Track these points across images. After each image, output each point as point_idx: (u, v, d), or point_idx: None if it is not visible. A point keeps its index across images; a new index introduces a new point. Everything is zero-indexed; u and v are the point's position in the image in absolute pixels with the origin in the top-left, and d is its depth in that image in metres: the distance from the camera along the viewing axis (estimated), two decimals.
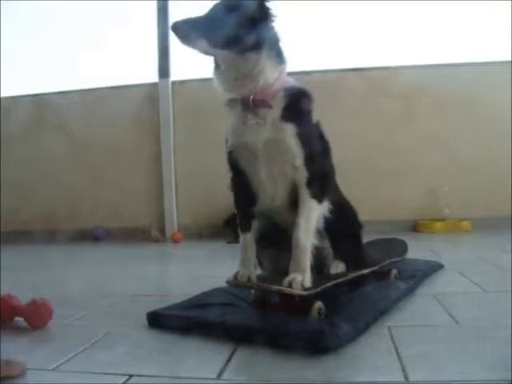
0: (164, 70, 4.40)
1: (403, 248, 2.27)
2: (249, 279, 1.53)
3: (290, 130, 1.47)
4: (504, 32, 3.79)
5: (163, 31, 4.38)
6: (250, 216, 1.60)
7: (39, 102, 4.66)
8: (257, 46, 1.43)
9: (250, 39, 1.41)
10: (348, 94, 4.08)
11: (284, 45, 1.54)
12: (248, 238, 1.59)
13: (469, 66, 4.03)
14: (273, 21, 1.48)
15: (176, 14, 4.41)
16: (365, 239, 2.47)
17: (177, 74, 4.40)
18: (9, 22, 4.62)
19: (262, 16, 1.44)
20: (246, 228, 1.60)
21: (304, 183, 1.50)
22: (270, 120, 1.47)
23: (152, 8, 4.38)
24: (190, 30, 1.42)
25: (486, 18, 3.99)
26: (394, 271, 1.90)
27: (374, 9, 4.08)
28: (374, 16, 4.14)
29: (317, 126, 1.63)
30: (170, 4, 4.40)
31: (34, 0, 4.61)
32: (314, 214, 1.51)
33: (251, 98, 1.46)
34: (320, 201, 1.53)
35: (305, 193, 1.50)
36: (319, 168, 1.53)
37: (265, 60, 1.45)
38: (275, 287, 1.46)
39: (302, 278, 1.42)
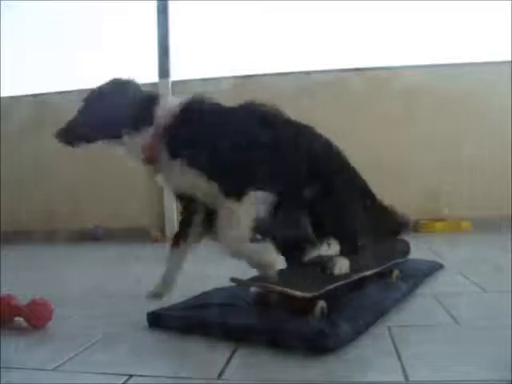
0: (164, 69, 4.40)
1: (406, 248, 2.26)
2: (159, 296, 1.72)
3: (178, 166, 1.57)
4: (504, 32, 3.79)
5: (163, 31, 4.38)
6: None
7: (39, 102, 4.66)
8: (118, 133, 1.63)
9: (111, 128, 1.63)
10: (348, 94, 4.08)
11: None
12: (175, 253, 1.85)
13: (469, 65, 4.03)
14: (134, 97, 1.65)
15: (176, 13, 4.41)
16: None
17: (177, 73, 4.40)
18: (9, 22, 4.62)
19: (121, 100, 1.63)
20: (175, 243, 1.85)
21: (217, 191, 1.54)
22: (165, 165, 1.62)
23: (152, 8, 4.39)
24: (69, 136, 1.70)
25: (486, 17, 3.99)
26: (396, 272, 1.90)
27: (375, 9, 4.09)
28: (375, 16, 4.14)
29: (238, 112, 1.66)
30: (170, 4, 4.40)
31: (35, 0, 4.61)
32: (232, 212, 1.51)
33: (143, 159, 1.65)
34: (235, 196, 1.51)
35: (219, 195, 1.54)
36: (227, 170, 1.53)
37: (129, 139, 1.63)
38: (279, 288, 1.45)
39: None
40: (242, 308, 1.55)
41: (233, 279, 1.59)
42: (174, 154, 1.58)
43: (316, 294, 1.41)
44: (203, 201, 1.66)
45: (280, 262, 1.63)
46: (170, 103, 1.66)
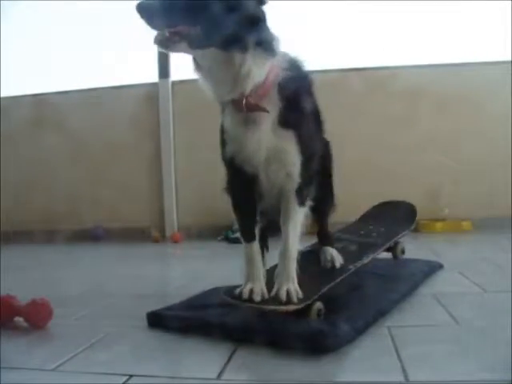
0: (164, 70, 4.40)
1: (411, 213, 2.14)
2: (262, 296, 1.42)
3: (289, 138, 1.37)
4: (504, 32, 3.79)
5: None
6: (253, 223, 1.50)
7: (39, 102, 4.66)
8: (242, 43, 1.25)
9: (236, 35, 1.24)
10: (349, 94, 4.08)
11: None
12: (253, 248, 1.48)
13: (469, 65, 4.03)
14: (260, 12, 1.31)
15: None
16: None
17: (177, 73, 4.40)
18: (9, 22, 4.62)
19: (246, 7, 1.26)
20: (250, 237, 1.49)
21: (293, 191, 1.44)
22: (268, 125, 1.35)
23: None
24: (158, 20, 1.27)
25: (486, 17, 3.99)
26: (401, 246, 1.86)
27: (375, 9, 4.09)
28: (375, 16, 4.14)
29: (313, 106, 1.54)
30: None
31: (34, 0, 4.61)
32: (300, 221, 1.46)
33: (244, 101, 1.30)
34: (304, 205, 1.47)
35: (293, 200, 1.44)
36: (312, 173, 1.47)
37: (252, 59, 1.26)
38: (270, 307, 1.37)
39: (294, 288, 1.38)
40: (242, 308, 1.55)
41: (224, 297, 1.49)
42: (286, 123, 1.35)
43: (309, 302, 1.36)
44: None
45: None
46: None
